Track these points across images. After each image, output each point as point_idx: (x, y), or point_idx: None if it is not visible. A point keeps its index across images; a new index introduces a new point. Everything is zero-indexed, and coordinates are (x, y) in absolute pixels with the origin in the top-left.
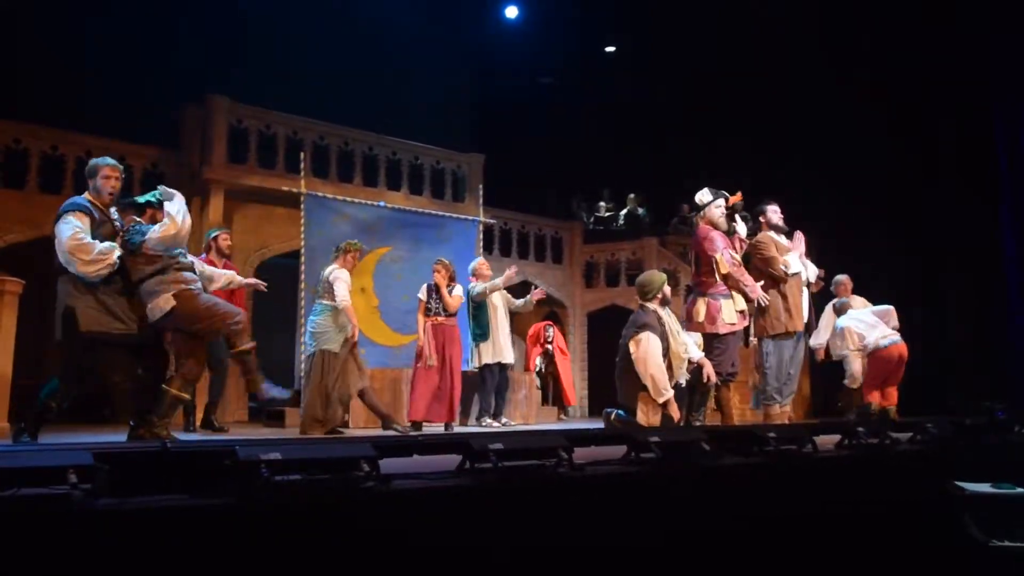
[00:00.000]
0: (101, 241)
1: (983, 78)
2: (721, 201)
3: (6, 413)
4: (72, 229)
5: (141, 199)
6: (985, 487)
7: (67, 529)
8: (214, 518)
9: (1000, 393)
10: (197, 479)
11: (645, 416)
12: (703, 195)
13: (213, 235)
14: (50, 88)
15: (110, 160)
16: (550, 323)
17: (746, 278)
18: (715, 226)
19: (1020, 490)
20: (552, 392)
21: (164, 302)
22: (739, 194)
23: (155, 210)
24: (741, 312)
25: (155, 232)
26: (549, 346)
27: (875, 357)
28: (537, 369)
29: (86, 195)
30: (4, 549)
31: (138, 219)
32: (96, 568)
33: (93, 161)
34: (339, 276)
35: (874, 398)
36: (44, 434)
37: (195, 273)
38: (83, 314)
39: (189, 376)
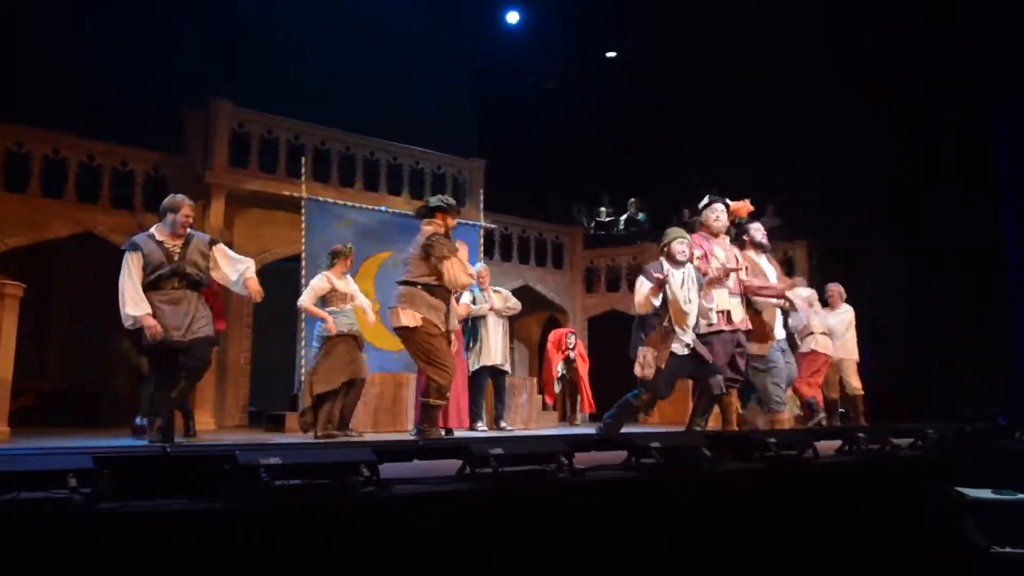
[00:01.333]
0: (156, 269)
1: (983, 78)
2: (719, 207)
3: (6, 416)
4: (121, 275)
5: (433, 202)
6: (987, 493)
7: (67, 533)
8: (214, 522)
9: (1002, 399)
10: (197, 483)
11: (640, 367)
12: (705, 200)
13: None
14: (52, 91)
15: (189, 201)
16: (571, 331)
17: (712, 270)
18: (709, 230)
19: (1021, 496)
20: (570, 400)
21: (409, 319)
22: (745, 203)
23: (445, 214)
24: (721, 312)
25: (455, 273)
26: (571, 353)
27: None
28: (560, 375)
29: (153, 229)
30: (4, 553)
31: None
32: (96, 572)
33: (177, 197)
34: (312, 282)
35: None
36: (44, 438)
37: (447, 304)
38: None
39: (437, 383)
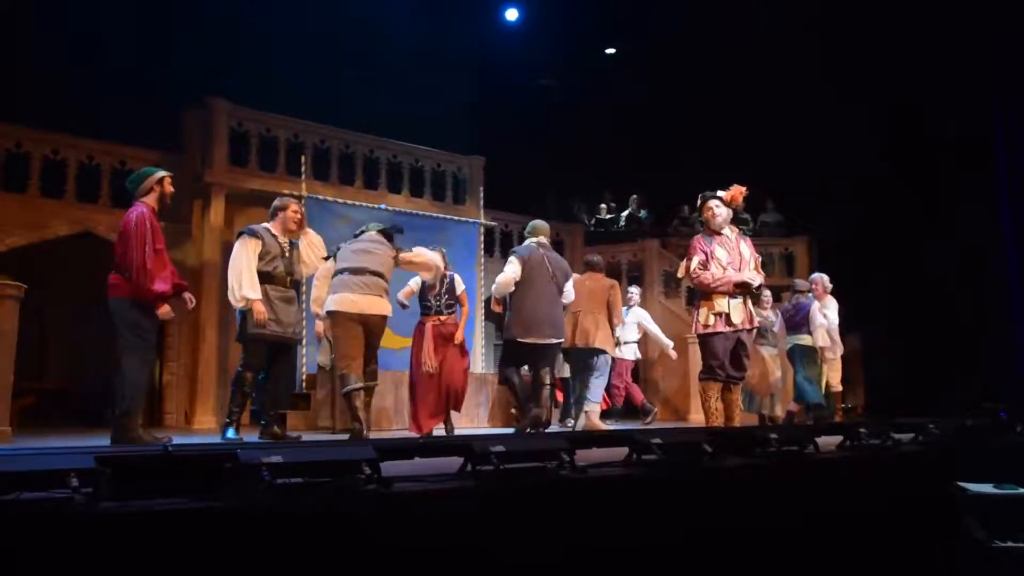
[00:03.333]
0: (272, 260)
1: (983, 78)
2: (713, 202)
3: (7, 416)
4: (239, 256)
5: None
6: (987, 487)
7: (69, 533)
8: (216, 521)
9: (1002, 393)
10: (199, 482)
11: None
12: (698, 200)
13: (159, 176)
14: (51, 92)
15: (295, 201)
16: None
17: (708, 277)
18: (710, 228)
19: (1022, 490)
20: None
21: (331, 304)
22: (736, 188)
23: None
24: (719, 315)
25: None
26: None
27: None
28: None
29: (268, 224)
30: (6, 553)
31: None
32: (98, 572)
33: (285, 198)
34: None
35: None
36: (46, 437)
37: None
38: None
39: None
